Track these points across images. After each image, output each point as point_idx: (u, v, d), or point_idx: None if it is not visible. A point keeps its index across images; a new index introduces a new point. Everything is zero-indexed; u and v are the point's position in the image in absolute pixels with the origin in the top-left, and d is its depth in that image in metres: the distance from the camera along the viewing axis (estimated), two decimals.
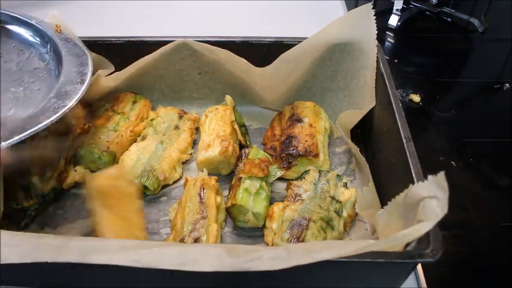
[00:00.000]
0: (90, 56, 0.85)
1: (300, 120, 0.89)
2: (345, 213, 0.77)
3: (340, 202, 0.77)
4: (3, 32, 0.87)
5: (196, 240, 0.71)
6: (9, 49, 0.86)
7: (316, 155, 0.83)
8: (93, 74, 0.85)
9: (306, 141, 0.85)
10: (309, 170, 0.82)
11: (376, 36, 0.84)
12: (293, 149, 0.84)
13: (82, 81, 0.78)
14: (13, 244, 0.53)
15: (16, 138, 0.64)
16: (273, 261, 0.51)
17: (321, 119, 0.91)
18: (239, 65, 0.92)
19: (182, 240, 0.71)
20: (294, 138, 0.85)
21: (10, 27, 0.87)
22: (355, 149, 0.83)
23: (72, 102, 0.73)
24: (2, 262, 0.51)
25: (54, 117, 0.69)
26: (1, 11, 0.87)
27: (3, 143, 0.62)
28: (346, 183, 0.80)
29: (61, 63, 0.81)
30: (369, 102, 0.87)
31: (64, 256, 0.52)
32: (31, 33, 0.87)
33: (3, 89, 0.80)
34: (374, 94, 0.86)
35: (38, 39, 0.87)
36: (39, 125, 0.67)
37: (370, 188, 0.75)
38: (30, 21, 0.87)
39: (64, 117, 0.71)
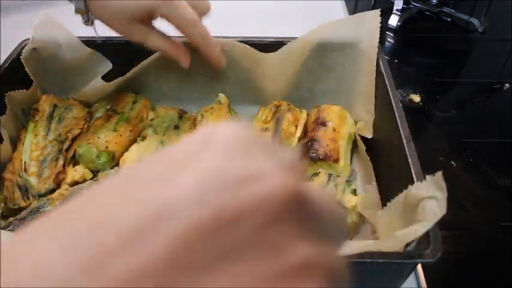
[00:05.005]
0: None
1: (324, 124, 0.86)
2: (349, 220, 0.75)
3: (346, 208, 0.75)
4: None
5: None
6: None
7: (336, 160, 0.81)
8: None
9: (328, 145, 0.82)
10: (319, 172, 0.80)
11: (378, 41, 0.84)
12: (313, 153, 0.81)
13: None
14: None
15: None
16: None
17: (346, 124, 0.88)
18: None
19: None
20: (316, 142, 0.83)
21: None
22: (362, 147, 0.83)
23: None
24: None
25: None
26: None
27: None
28: (355, 190, 0.79)
29: None
30: (368, 110, 0.87)
31: None
32: None
33: None
34: (373, 104, 0.86)
35: None
36: None
37: (372, 187, 0.74)
38: None
39: None
